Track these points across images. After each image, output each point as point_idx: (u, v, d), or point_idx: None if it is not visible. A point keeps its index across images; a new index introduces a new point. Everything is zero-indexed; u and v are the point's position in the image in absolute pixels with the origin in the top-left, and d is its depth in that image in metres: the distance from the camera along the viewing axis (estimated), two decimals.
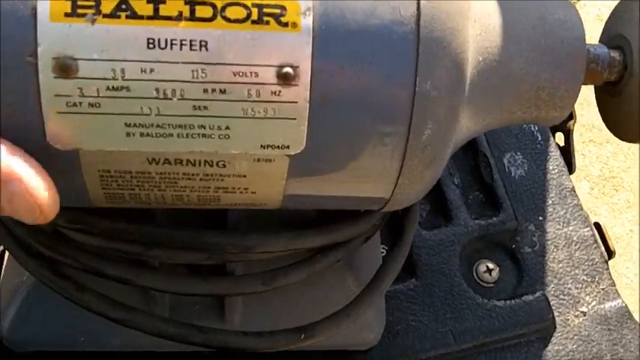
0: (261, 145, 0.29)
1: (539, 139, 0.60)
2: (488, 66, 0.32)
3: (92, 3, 0.27)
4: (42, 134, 0.28)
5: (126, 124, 0.28)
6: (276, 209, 0.36)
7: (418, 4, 0.29)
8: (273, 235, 0.36)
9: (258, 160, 0.30)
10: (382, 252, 0.50)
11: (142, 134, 0.28)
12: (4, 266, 0.45)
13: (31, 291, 0.43)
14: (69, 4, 0.27)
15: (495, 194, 0.57)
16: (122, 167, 0.30)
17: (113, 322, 0.39)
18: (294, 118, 0.29)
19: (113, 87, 0.27)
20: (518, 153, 0.60)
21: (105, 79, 0.27)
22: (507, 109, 0.34)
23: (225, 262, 0.39)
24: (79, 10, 0.27)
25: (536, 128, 0.60)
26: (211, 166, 0.30)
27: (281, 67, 0.28)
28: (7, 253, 0.46)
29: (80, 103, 0.28)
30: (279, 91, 0.28)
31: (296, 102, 0.28)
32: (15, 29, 0.27)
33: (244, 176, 0.31)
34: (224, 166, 0.30)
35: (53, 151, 0.28)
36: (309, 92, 0.28)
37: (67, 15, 0.27)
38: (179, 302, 0.42)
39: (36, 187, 0.27)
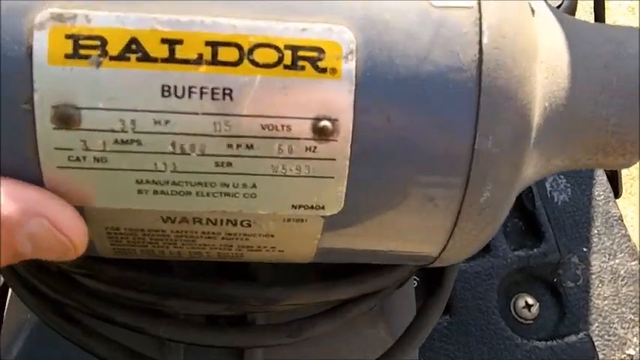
0: (293, 206, 0.25)
1: None
2: (554, 112, 0.27)
3: (97, 43, 0.23)
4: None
5: (137, 180, 0.24)
6: None
7: (480, 47, 0.24)
8: (299, 286, 0.32)
9: (289, 220, 0.26)
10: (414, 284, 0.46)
11: (155, 192, 0.25)
12: (7, 300, 0.42)
13: (35, 329, 0.39)
14: (70, 43, 0.23)
15: (537, 222, 0.53)
16: (133, 225, 0.26)
17: None
18: (332, 177, 0.25)
19: (122, 140, 0.24)
20: (562, 176, 0.55)
21: (112, 131, 0.24)
22: (572, 157, 0.30)
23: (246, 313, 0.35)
24: (82, 51, 0.23)
25: None
26: (234, 225, 0.26)
27: (318, 119, 0.24)
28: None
29: (84, 157, 0.24)
30: (315, 147, 0.24)
31: (334, 159, 0.24)
32: (8, 72, 0.23)
33: (272, 236, 0.27)
34: (249, 225, 0.26)
35: None
36: (349, 148, 0.24)
37: (67, 57, 0.23)
38: (195, 351, 0.38)
39: (63, 218, 0.24)
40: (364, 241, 0.29)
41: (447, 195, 0.26)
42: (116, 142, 0.24)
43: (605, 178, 0.55)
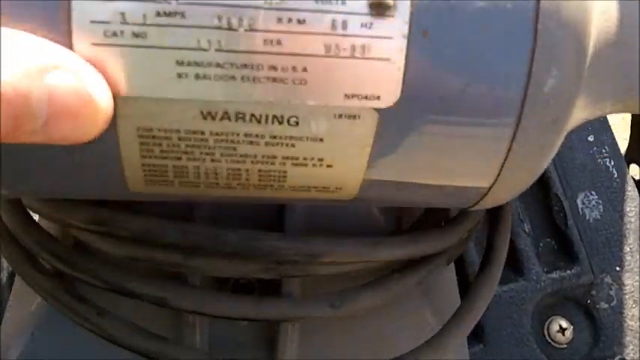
0: (346, 95, 0.23)
1: (615, 175, 0.54)
2: (604, 48, 0.26)
3: None
4: None
5: (177, 61, 0.22)
6: (342, 214, 0.29)
7: None
8: (344, 240, 0.30)
9: (340, 116, 0.24)
10: None
11: (197, 76, 0.23)
12: (11, 295, 0.38)
13: (42, 322, 0.36)
14: None
15: (569, 242, 0.51)
16: (169, 124, 0.24)
17: (141, 356, 0.32)
18: (387, 59, 0.23)
19: (164, 12, 0.22)
20: (593, 192, 0.53)
21: (154, 0, 0.22)
22: (618, 97, 0.28)
23: (282, 278, 0.32)
24: None
25: (612, 163, 0.54)
26: (280, 123, 0.24)
27: None
28: (14, 284, 0.39)
29: (122, 32, 0.22)
30: (371, 24, 0.22)
31: (390, 37, 0.23)
32: None
33: (320, 140, 0.24)
34: (296, 123, 0.24)
35: None
36: (407, 26, 0.22)
37: None
38: (219, 333, 0.35)
39: (89, 76, 0.22)
40: (414, 165, 0.26)
41: (511, 79, 0.24)
42: (158, 14, 0.22)
43: (636, 193, 0.54)
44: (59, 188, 0.28)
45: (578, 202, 0.53)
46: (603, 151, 0.54)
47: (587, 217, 0.53)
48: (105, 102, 0.22)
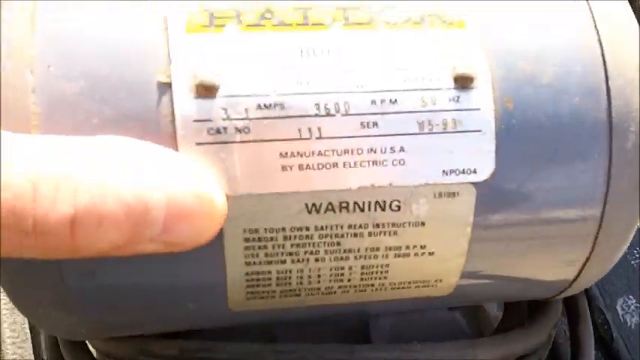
0: (444, 171, 0.24)
1: None
2: None
3: (233, 13, 0.24)
4: None
5: (281, 153, 0.23)
6: (427, 320, 0.29)
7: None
8: (442, 344, 0.29)
9: (440, 195, 0.24)
10: None
11: (300, 167, 0.23)
12: None
13: None
14: (206, 15, 0.24)
15: (616, 353, 0.49)
16: (274, 222, 0.24)
17: None
18: (479, 130, 0.24)
19: (265, 105, 0.23)
20: (631, 297, 0.53)
21: (255, 95, 0.23)
22: None
23: None
24: (218, 21, 0.23)
25: None
26: (383, 209, 0.24)
27: (455, 67, 0.24)
28: None
29: (225, 128, 0.23)
30: (458, 97, 0.24)
31: (478, 109, 0.24)
32: (143, 41, 0.23)
33: (422, 224, 0.25)
34: (398, 208, 0.24)
35: None
36: (492, 94, 0.24)
37: (204, 26, 0.23)
38: None
39: (202, 178, 0.22)
40: (509, 248, 0.27)
41: (596, 140, 0.25)
42: (259, 107, 0.23)
43: None
44: (150, 320, 0.27)
45: (618, 308, 0.53)
46: (635, 252, 0.54)
47: (628, 324, 0.52)
48: (221, 200, 0.23)
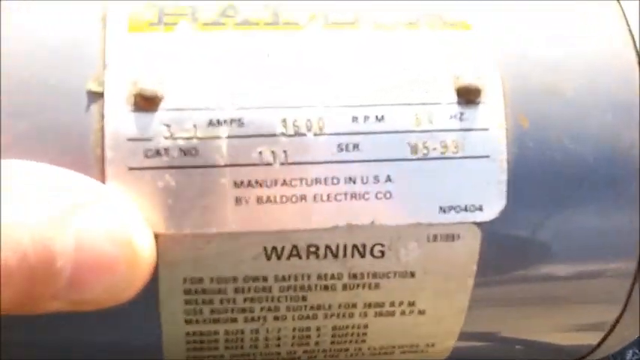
0: (441, 208, 0.19)
1: None
2: None
3: (187, 10, 0.19)
4: None
5: (235, 183, 0.18)
6: None
7: None
8: None
9: (435, 238, 0.20)
10: None
11: (259, 200, 0.18)
12: None
13: None
14: (155, 11, 0.19)
15: None
16: (223, 270, 0.19)
17: None
18: (487, 156, 0.19)
19: (217, 121, 0.18)
20: (637, 351, 0.49)
21: (207, 108, 0.18)
22: None
23: None
24: (168, 19, 0.19)
25: None
26: (362, 256, 0.19)
27: (459, 77, 0.19)
28: None
29: (166, 150, 0.18)
30: (461, 114, 0.19)
31: (486, 129, 0.19)
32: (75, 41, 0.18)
33: (411, 275, 0.20)
34: (382, 254, 0.19)
35: None
36: (503, 111, 0.19)
37: (152, 24, 0.18)
38: None
39: (125, 214, 0.17)
40: (524, 304, 0.22)
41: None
42: (210, 123, 0.18)
43: None
44: None
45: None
46: None
47: None
48: (147, 246, 0.17)
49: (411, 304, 0.21)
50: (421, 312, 0.21)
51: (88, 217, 0.16)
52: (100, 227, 0.16)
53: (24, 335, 0.20)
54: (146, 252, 0.17)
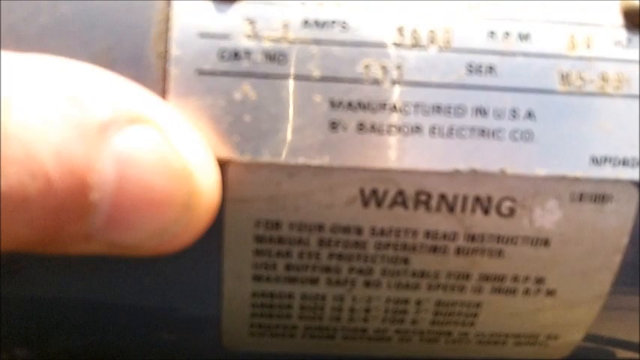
0: (593, 159, 0.15)
1: None
2: None
3: None
4: None
5: (332, 103, 0.14)
6: None
7: None
8: None
9: (580, 197, 0.15)
10: None
11: (360, 127, 0.14)
12: None
13: None
14: None
15: None
16: (307, 215, 0.15)
17: None
18: None
19: (316, 21, 0.14)
20: None
21: (302, 2, 0.14)
22: None
23: None
24: None
25: None
26: (486, 212, 0.15)
27: None
28: None
29: (247, 52, 0.14)
30: (628, 41, 0.15)
31: None
32: None
33: (545, 243, 0.16)
34: (510, 212, 0.15)
35: None
36: None
37: None
38: None
39: (183, 134, 0.13)
40: None
41: None
42: (306, 24, 0.14)
43: None
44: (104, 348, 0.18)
45: None
46: None
47: None
48: (211, 180, 0.13)
49: (539, 281, 0.16)
50: (550, 292, 0.16)
51: (134, 138, 0.13)
52: (149, 152, 0.13)
53: (50, 282, 0.16)
54: (209, 188, 0.13)
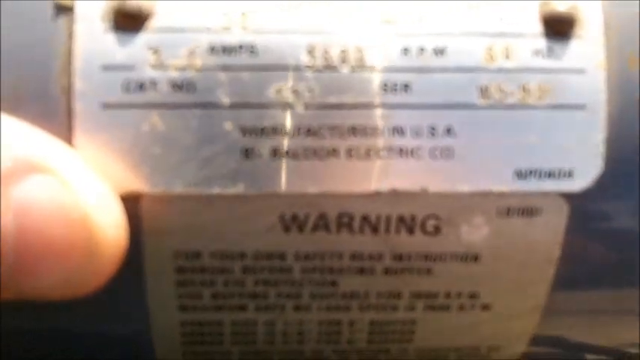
0: (517, 173, 0.15)
1: None
2: None
3: None
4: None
5: (242, 129, 0.14)
6: None
7: None
8: None
9: (508, 212, 0.15)
10: None
11: (273, 152, 0.14)
12: None
13: None
14: None
15: None
16: (229, 243, 0.15)
17: None
18: (583, 106, 0.15)
19: (223, 47, 0.14)
20: None
21: (208, 30, 0.14)
22: None
23: None
24: None
25: None
26: (411, 232, 0.15)
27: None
28: None
29: (153, 82, 0.14)
30: (549, 50, 0.14)
31: (582, 70, 0.14)
32: None
33: (474, 258, 0.15)
34: (436, 230, 0.15)
35: None
36: (604, 49, 0.14)
37: None
38: None
39: (84, 181, 0.13)
40: (612, 296, 0.17)
41: None
42: (212, 50, 0.14)
43: None
44: None
45: None
46: None
47: None
48: (112, 222, 0.13)
49: (473, 295, 0.16)
50: (485, 307, 0.16)
51: (33, 188, 0.12)
52: (47, 201, 0.12)
53: None
54: (111, 231, 0.13)
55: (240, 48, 0.14)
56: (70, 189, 0.13)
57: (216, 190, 0.14)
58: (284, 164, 0.14)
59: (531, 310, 0.17)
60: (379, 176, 0.14)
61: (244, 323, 0.16)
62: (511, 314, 0.17)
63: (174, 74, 0.14)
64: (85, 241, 0.13)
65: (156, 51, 0.14)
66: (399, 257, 0.15)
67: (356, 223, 0.15)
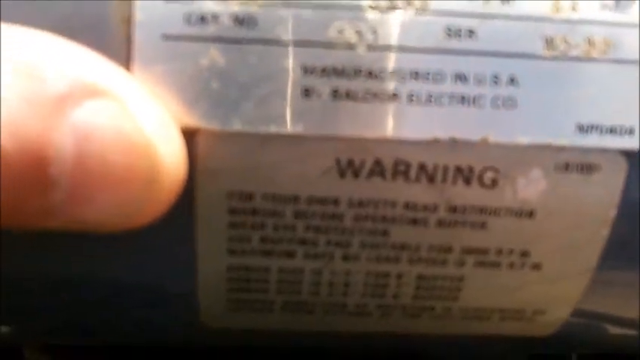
0: (578, 126, 0.14)
1: None
2: None
3: None
4: None
5: (304, 68, 0.14)
6: None
7: None
8: None
9: (566, 167, 0.15)
10: None
11: (334, 93, 0.14)
12: None
13: None
14: None
15: None
16: (282, 186, 0.15)
17: None
18: None
19: None
20: None
21: None
22: None
23: None
24: None
25: None
26: (467, 183, 0.15)
27: None
28: None
29: (215, 15, 0.13)
30: (616, 4, 0.14)
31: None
32: None
33: (529, 214, 0.15)
34: (492, 183, 0.15)
35: None
36: None
37: None
38: None
39: (146, 110, 0.13)
40: None
41: None
42: None
43: None
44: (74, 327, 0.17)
45: None
46: None
47: None
48: (174, 154, 0.13)
49: (524, 254, 0.16)
50: (536, 266, 0.16)
51: (92, 112, 0.12)
52: (109, 126, 0.12)
53: (21, 259, 0.16)
54: (173, 161, 0.13)
55: None
56: (132, 115, 0.12)
57: (273, 129, 0.14)
58: (343, 106, 0.14)
59: (581, 273, 0.16)
60: (439, 123, 0.14)
61: (291, 271, 0.16)
62: (560, 276, 0.16)
63: (236, 8, 0.14)
64: (145, 170, 0.12)
65: None
66: (453, 209, 0.15)
67: (412, 172, 0.15)
